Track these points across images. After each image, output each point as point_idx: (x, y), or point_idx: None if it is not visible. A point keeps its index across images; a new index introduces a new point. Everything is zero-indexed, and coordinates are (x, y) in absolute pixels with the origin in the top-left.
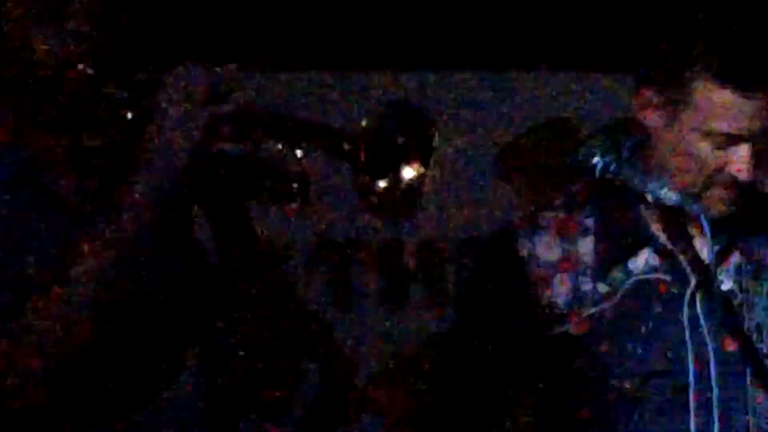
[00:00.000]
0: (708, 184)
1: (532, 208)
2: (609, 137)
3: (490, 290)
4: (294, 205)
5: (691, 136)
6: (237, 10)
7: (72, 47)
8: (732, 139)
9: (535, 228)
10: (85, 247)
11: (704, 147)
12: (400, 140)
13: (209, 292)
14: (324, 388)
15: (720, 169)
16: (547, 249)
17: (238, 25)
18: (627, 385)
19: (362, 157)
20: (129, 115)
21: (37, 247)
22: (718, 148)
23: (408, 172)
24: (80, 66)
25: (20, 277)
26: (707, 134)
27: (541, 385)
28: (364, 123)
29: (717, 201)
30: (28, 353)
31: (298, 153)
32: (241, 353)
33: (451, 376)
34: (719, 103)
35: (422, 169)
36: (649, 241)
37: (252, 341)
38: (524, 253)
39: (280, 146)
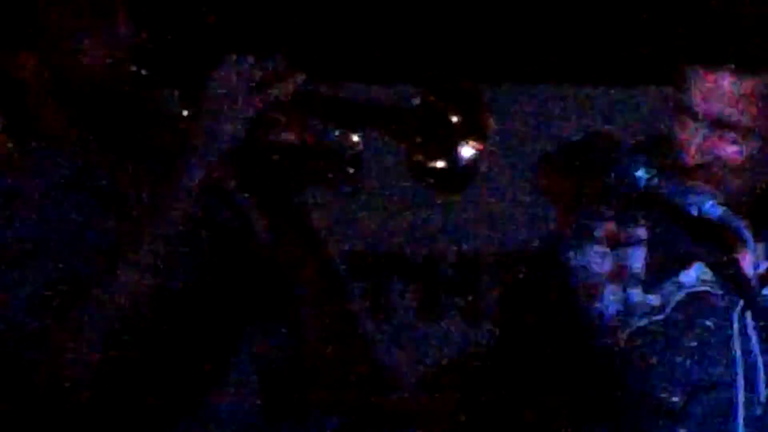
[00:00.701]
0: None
1: (583, 219)
2: (650, 150)
3: (537, 301)
4: (348, 189)
5: (689, 123)
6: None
7: (122, 49)
8: (724, 125)
9: (585, 238)
10: (137, 241)
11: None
12: (455, 119)
13: (262, 285)
14: (362, 397)
15: (714, 155)
16: (597, 260)
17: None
18: (675, 399)
19: (416, 136)
20: (184, 113)
21: (92, 249)
22: (713, 133)
23: (465, 151)
24: (132, 67)
25: (74, 276)
26: (701, 119)
27: (586, 398)
28: (416, 102)
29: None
30: (84, 348)
31: (353, 136)
32: (291, 350)
33: (492, 388)
34: (712, 88)
35: (479, 148)
36: (700, 254)
37: (301, 338)
38: (574, 263)
39: (333, 130)
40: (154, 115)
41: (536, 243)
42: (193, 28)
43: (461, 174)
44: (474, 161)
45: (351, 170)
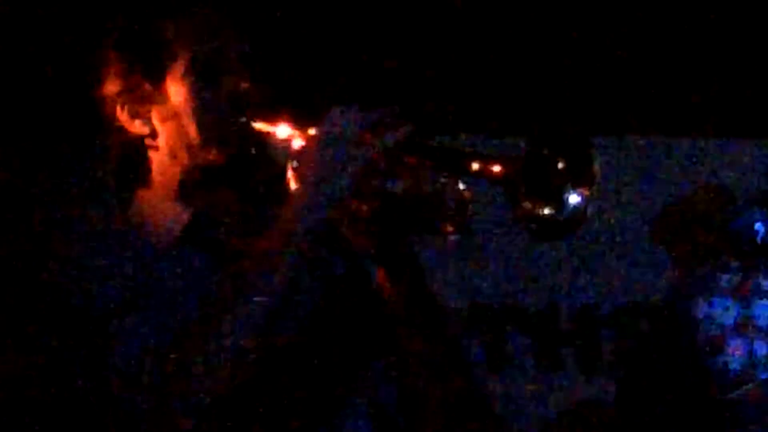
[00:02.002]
0: None
1: (705, 271)
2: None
3: (658, 353)
4: (454, 237)
5: None
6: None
7: (230, 102)
8: None
9: (708, 290)
10: (247, 290)
11: None
12: (560, 165)
13: (374, 333)
14: None
15: None
16: (722, 311)
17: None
18: None
19: (522, 183)
20: (294, 164)
21: (203, 300)
22: None
23: (572, 197)
24: (242, 119)
25: (185, 327)
26: None
27: None
28: (522, 149)
29: None
30: (194, 398)
31: (461, 185)
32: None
33: None
34: None
35: (586, 193)
36: None
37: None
38: (697, 315)
39: (439, 178)
40: (264, 165)
41: (655, 295)
42: (304, 78)
43: (568, 221)
44: (580, 208)
45: (459, 218)
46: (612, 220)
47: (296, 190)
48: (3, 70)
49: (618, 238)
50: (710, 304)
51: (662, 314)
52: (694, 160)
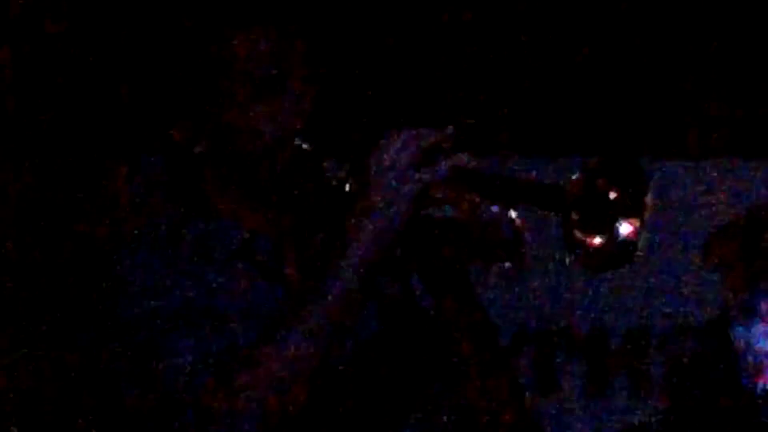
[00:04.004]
0: None
1: (748, 296)
2: None
3: (704, 377)
4: (509, 265)
5: None
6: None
7: (289, 123)
8: None
9: (752, 316)
10: (301, 315)
11: None
12: (613, 195)
13: (427, 359)
14: None
15: None
16: (763, 338)
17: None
18: None
19: (575, 213)
20: (347, 187)
21: (256, 321)
22: None
23: (624, 228)
24: (297, 141)
25: (237, 348)
26: None
27: None
28: (575, 178)
29: None
30: (244, 420)
31: (512, 213)
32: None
33: None
34: None
35: (637, 224)
36: None
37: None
38: (741, 340)
39: (493, 207)
40: (319, 189)
41: (704, 319)
42: (358, 101)
43: (620, 250)
44: (632, 237)
45: (512, 245)
46: (662, 243)
47: (351, 217)
48: (58, 86)
49: (668, 262)
50: (751, 331)
51: (711, 338)
52: (746, 183)
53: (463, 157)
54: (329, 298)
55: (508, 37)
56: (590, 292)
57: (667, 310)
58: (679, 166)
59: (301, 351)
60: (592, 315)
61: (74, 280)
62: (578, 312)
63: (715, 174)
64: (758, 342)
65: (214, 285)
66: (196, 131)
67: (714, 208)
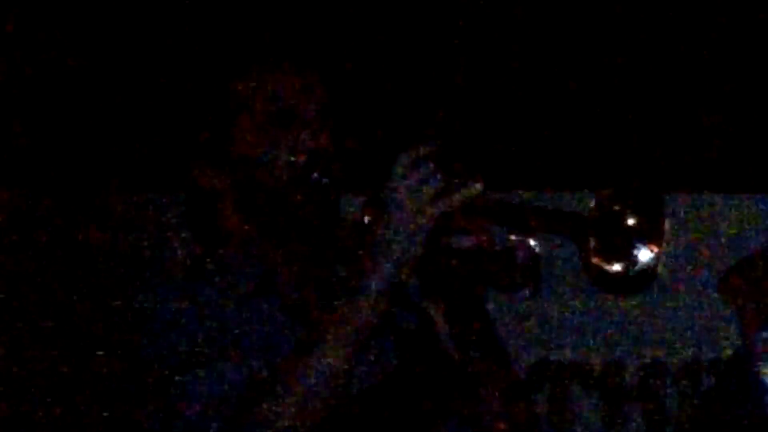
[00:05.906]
0: None
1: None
2: None
3: (722, 412)
4: (525, 293)
5: None
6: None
7: (306, 158)
8: None
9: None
10: (320, 347)
11: None
12: (630, 221)
13: (444, 386)
14: None
15: None
16: None
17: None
18: None
19: (593, 240)
20: (366, 219)
21: (275, 355)
22: None
23: (642, 254)
24: (314, 176)
25: (256, 381)
26: None
27: None
28: (592, 205)
29: None
30: None
31: (530, 241)
32: None
33: None
34: None
35: (656, 251)
36: None
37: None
38: (765, 378)
39: (511, 235)
40: (336, 222)
41: (723, 354)
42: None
43: (637, 277)
44: (651, 265)
45: (529, 275)
46: (679, 276)
47: (369, 250)
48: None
49: (685, 295)
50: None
51: (728, 373)
52: (765, 218)
53: (478, 187)
54: (348, 329)
55: (523, 72)
56: (607, 326)
57: (684, 345)
58: (697, 200)
59: (321, 382)
60: (609, 349)
61: (97, 317)
62: (594, 345)
63: (733, 208)
64: None
65: (236, 320)
66: (216, 167)
67: (732, 243)
